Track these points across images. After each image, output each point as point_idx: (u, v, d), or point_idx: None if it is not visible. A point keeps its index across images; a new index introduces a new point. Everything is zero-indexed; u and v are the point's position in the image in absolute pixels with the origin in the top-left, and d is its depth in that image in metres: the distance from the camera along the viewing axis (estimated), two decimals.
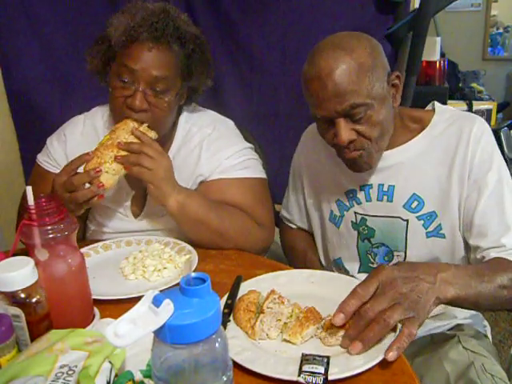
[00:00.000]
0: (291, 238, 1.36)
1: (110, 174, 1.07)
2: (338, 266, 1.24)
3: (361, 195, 1.14)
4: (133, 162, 1.07)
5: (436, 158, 1.06)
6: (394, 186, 1.10)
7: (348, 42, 0.97)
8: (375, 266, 1.15)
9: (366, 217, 1.14)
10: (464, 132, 1.04)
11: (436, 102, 1.13)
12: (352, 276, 1.19)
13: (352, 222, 1.17)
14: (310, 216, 1.29)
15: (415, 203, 1.08)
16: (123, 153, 1.08)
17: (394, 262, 1.13)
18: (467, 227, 1.04)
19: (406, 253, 1.11)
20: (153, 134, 1.13)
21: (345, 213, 1.18)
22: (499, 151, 1.05)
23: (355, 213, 1.16)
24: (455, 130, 1.06)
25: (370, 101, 0.96)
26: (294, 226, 1.36)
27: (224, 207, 1.19)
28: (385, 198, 1.11)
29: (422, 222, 1.08)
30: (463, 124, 1.05)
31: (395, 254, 1.13)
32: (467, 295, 0.84)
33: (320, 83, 0.95)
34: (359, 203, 1.15)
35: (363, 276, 1.16)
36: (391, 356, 0.72)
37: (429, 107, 1.15)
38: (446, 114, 1.10)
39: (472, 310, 0.90)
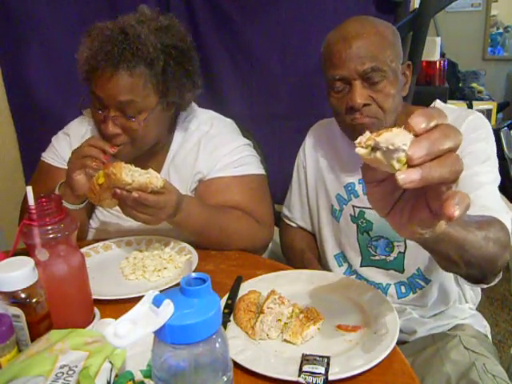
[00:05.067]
0: (290, 237, 1.37)
1: (113, 203, 1.04)
2: (340, 261, 1.25)
3: (358, 188, 1.16)
4: (129, 214, 1.03)
5: None
6: None
7: (374, 19, 1.05)
8: (377, 258, 1.17)
9: (364, 209, 1.16)
10: (458, 121, 1.03)
11: (438, 101, 1.14)
12: (355, 270, 1.20)
13: (351, 215, 1.19)
14: (312, 212, 1.30)
15: None
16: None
17: (396, 252, 1.14)
18: None
19: (405, 242, 1.12)
20: (159, 183, 0.98)
21: (344, 207, 1.19)
22: (493, 139, 1.04)
23: (353, 206, 1.18)
24: (450, 121, 1.04)
25: (389, 70, 1.00)
26: (294, 225, 1.37)
27: (224, 213, 1.18)
28: None
29: None
30: (459, 115, 1.05)
31: (395, 244, 1.14)
32: (457, 233, 0.70)
33: (345, 43, 0.99)
34: (357, 196, 1.17)
35: (366, 270, 1.18)
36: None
37: (432, 106, 1.15)
38: (446, 111, 1.09)
39: (454, 258, 0.75)
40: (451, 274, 1.10)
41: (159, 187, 0.98)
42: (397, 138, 0.53)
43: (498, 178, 1.02)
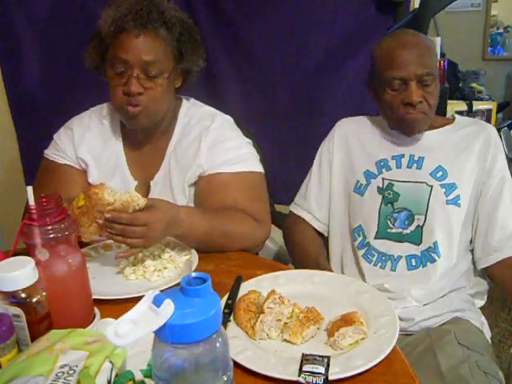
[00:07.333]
0: (300, 237, 1.38)
1: (90, 232, 0.99)
2: (355, 236, 1.28)
3: (392, 163, 1.27)
4: (119, 241, 1.01)
5: (458, 143, 1.25)
6: (423, 158, 1.25)
7: (419, 33, 1.25)
8: (393, 231, 1.23)
9: (394, 182, 1.25)
10: (484, 133, 1.24)
11: (457, 116, 1.32)
12: (368, 242, 1.25)
13: (378, 187, 1.26)
14: (332, 194, 1.34)
15: (440, 173, 1.23)
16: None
17: (414, 225, 1.21)
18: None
19: (426, 216, 1.21)
20: (140, 201, 0.97)
21: (372, 180, 1.27)
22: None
23: (383, 179, 1.26)
24: (477, 127, 1.27)
25: (436, 75, 1.19)
26: (305, 217, 1.37)
27: (224, 216, 1.17)
28: (414, 165, 1.25)
29: (444, 190, 1.21)
30: (483, 127, 1.26)
31: (416, 217, 1.22)
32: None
33: (406, 49, 1.17)
34: (389, 169, 1.27)
35: (379, 242, 1.24)
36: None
37: (449, 117, 1.33)
38: (465, 119, 1.32)
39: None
40: (469, 256, 1.25)
41: (141, 206, 0.97)
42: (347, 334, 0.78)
43: None
